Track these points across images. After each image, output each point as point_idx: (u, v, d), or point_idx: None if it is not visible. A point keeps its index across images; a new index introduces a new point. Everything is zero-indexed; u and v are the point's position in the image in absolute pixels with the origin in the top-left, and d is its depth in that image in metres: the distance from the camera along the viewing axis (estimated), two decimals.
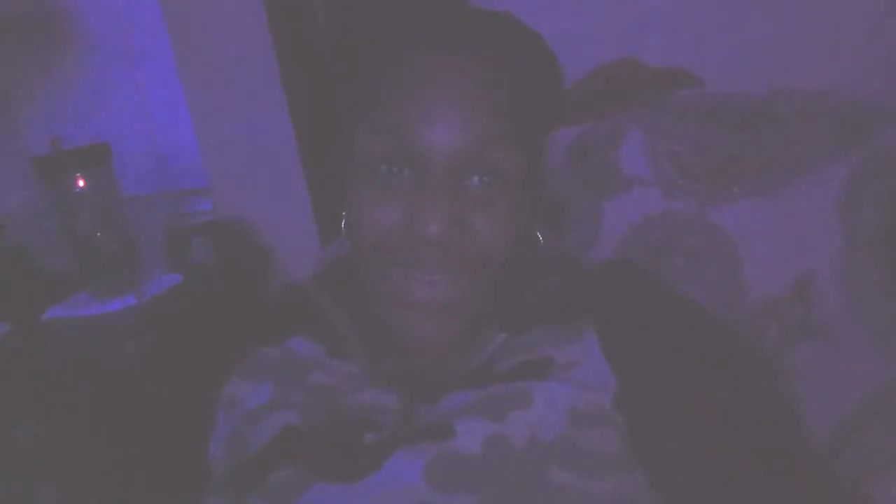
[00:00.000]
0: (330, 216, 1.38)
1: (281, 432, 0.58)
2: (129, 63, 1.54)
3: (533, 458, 0.53)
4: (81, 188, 1.25)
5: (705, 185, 0.78)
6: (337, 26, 1.24)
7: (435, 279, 0.58)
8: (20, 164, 1.39)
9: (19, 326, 1.23)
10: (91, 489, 0.72)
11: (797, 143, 0.76)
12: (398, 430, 0.57)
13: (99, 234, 1.27)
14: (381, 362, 0.64)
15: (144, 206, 1.49)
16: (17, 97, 1.60)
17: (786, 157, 0.76)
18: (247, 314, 0.72)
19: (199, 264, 1.38)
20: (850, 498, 0.58)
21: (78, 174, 1.24)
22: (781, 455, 0.55)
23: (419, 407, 0.59)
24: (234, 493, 0.57)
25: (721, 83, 0.88)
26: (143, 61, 1.54)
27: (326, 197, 1.39)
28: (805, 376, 0.72)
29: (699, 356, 0.59)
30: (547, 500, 0.52)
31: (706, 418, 0.55)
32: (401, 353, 0.64)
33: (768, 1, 0.95)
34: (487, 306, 0.62)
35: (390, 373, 0.63)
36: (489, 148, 0.57)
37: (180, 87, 1.46)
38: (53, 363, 1.16)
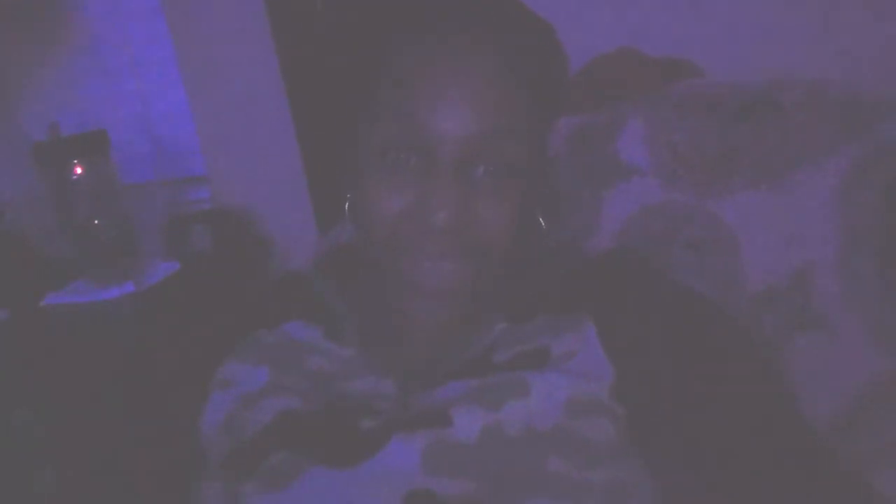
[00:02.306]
0: (328, 205, 1.38)
1: (278, 417, 0.58)
2: (129, 51, 1.54)
3: (529, 447, 0.54)
4: (79, 175, 1.25)
5: (704, 175, 0.78)
6: (340, 10, 1.23)
7: (442, 266, 0.58)
8: (20, 151, 1.39)
9: (18, 312, 1.23)
10: (89, 473, 0.72)
11: (797, 133, 0.76)
12: (395, 416, 0.57)
13: (97, 221, 1.27)
14: (378, 348, 0.64)
15: (143, 194, 1.49)
16: (17, 84, 1.59)
17: (785, 147, 0.76)
18: (244, 298, 0.73)
19: (198, 252, 1.38)
20: (850, 486, 0.58)
21: (76, 161, 1.24)
22: (782, 443, 0.55)
23: (416, 394, 0.59)
24: (231, 477, 0.58)
25: (721, 73, 0.88)
26: (142, 49, 1.53)
27: (325, 186, 1.38)
28: (803, 366, 0.72)
29: (699, 345, 0.59)
30: (543, 489, 0.52)
31: (705, 407, 0.56)
32: (398, 340, 0.64)
33: None
34: (489, 292, 0.62)
35: (387, 359, 0.63)
36: (498, 139, 0.57)
37: (179, 74, 1.46)
38: (52, 349, 1.16)
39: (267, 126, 1.41)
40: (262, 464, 0.56)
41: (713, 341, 0.59)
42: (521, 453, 0.53)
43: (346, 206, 0.65)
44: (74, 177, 1.25)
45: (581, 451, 0.54)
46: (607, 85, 0.93)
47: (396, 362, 0.63)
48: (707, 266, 0.76)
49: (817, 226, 0.73)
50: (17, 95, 1.60)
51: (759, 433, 0.55)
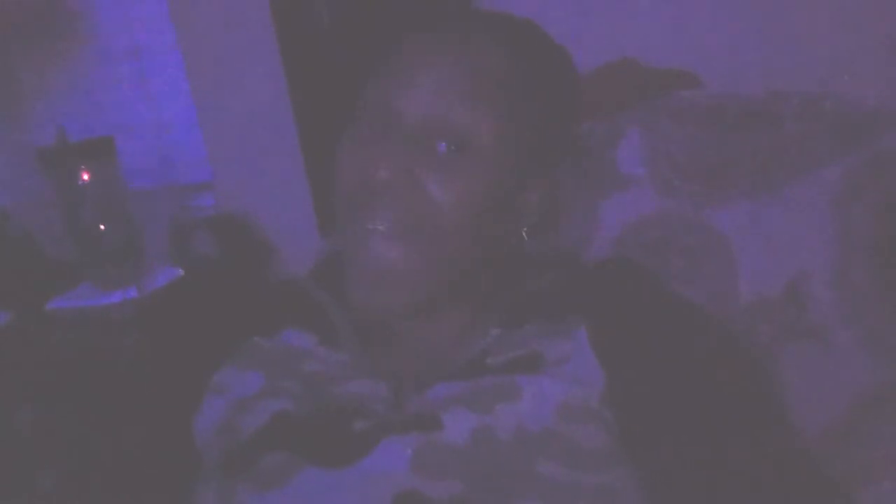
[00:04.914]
0: (330, 212, 1.38)
1: (272, 418, 0.59)
2: (136, 57, 1.56)
3: (519, 450, 0.54)
4: (86, 181, 1.26)
5: (701, 185, 0.79)
6: (341, 23, 1.25)
7: (387, 244, 0.58)
8: (26, 156, 1.40)
9: (23, 315, 1.24)
10: (89, 474, 0.73)
11: (793, 144, 0.76)
12: (387, 418, 0.58)
13: (103, 226, 1.28)
14: (373, 353, 0.65)
15: (148, 200, 1.50)
16: (25, 89, 1.61)
17: (782, 158, 0.76)
18: (242, 307, 0.73)
19: (201, 258, 1.39)
20: (839, 497, 0.58)
21: (82, 167, 1.25)
22: (771, 453, 0.55)
23: (409, 397, 0.60)
24: (225, 479, 0.58)
25: (719, 84, 0.89)
26: (149, 56, 1.55)
27: (328, 193, 1.39)
28: (796, 377, 0.72)
29: (691, 354, 0.59)
30: (532, 491, 0.52)
31: (696, 415, 0.56)
32: (393, 344, 0.65)
33: (766, 3, 0.95)
34: (447, 282, 0.62)
35: (382, 363, 0.63)
36: (458, 116, 0.58)
37: (186, 81, 1.47)
38: (55, 352, 1.17)
39: (272, 134, 1.42)
40: (255, 465, 0.56)
41: (705, 350, 0.60)
42: (510, 456, 0.54)
43: None
44: (81, 182, 1.26)
45: (571, 455, 0.54)
46: (607, 95, 0.94)
47: (391, 366, 0.63)
48: (702, 275, 0.76)
49: (813, 236, 0.73)
50: (24, 101, 1.62)
51: (749, 443, 0.55)
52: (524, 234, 0.65)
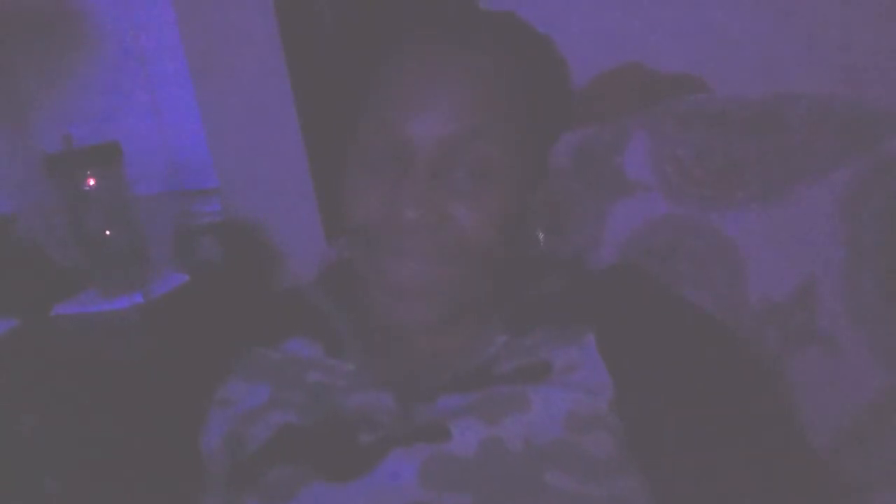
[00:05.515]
0: (336, 218, 1.38)
1: (279, 431, 0.58)
2: (141, 63, 1.56)
3: (528, 461, 0.54)
4: (91, 187, 1.26)
5: (708, 189, 0.78)
6: (344, 26, 1.25)
7: (417, 265, 0.58)
8: (32, 162, 1.41)
9: (28, 321, 1.24)
10: (93, 481, 0.73)
11: (801, 148, 0.76)
12: (394, 429, 0.57)
13: (108, 232, 1.28)
14: (378, 362, 0.64)
15: (154, 206, 1.50)
16: (31, 96, 1.62)
17: (790, 162, 0.76)
18: (247, 315, 0.73)
19: (207, 264, 1.39)
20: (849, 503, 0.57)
21: (88, 173, 1.25)
22: (781, 461, 0.55)
23: (416, 407, 0.59)
24: (231, 492, 0.58)
25: (725, 87, 0.88)
26: (154, 62, 1.55)
27: (333, 199, 1.39)
28: (806, 383, 0.71)
29: (700, 360, 0.59)
30: (542, 502, 0.52)
31: (705, 423, 0.56)
32: (398, 353, 0.64)
33: (773, 5, 0.95)
34: (472, 295, 0.62)
35: (388, 372, 0.63)
36: (474, 141, 0.57)
37: (191, 87, 1.48)
38: (60, 358, 1.17)
39: (278, 139, 1.42)
40: (262, 478, 0.56)
41: (714, 356, 0.59)
42: (519, 467, 0.53)
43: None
44: (87, 188, 1.27)
45: (580, 464, 0.54)
46: (613, 99, 0.94)
47: (397, 375, 0.63)
48: (710, 280, 0.76)
49: (821, 240, 0.73)
50: (30, 107, 1.62)
51: (758, 449, 0.55)
52: (539, 233, 0.65)
